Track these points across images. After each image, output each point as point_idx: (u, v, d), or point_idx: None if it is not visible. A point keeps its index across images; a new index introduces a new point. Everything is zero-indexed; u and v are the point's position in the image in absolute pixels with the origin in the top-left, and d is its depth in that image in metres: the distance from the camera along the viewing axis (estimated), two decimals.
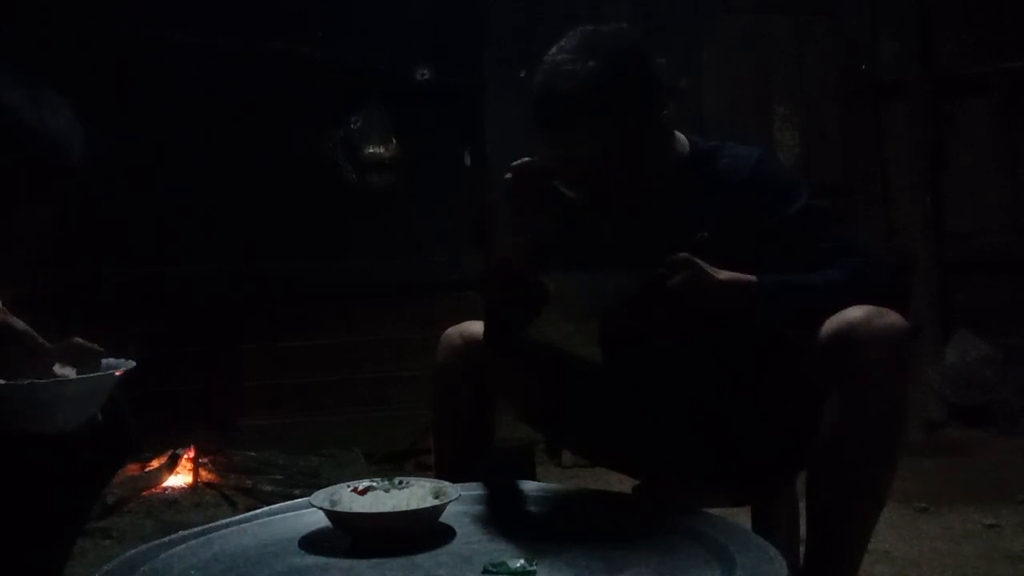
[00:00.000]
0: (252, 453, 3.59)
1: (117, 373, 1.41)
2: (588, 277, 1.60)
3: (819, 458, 1.58)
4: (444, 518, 1.45)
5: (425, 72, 4.13)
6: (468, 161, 4.25)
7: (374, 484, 1.51)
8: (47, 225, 1.54)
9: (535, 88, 1.65)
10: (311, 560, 1.36)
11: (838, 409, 1.54)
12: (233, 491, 3.32)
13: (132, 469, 3.30)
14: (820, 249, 1.65)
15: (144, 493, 3.29)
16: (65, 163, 1.53)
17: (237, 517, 1.56)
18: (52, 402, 1.35)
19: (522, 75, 4.27)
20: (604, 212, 1.76)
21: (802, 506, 1.83)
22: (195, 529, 1.48)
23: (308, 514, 1.51)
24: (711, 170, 1.74)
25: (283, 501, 1.72)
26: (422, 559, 1.33)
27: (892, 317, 1.53)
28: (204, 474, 3.41)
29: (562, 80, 1.61)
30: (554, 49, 1.66)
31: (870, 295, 1.57)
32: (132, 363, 1.42)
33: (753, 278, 1.58)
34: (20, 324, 1.37)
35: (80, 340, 1.47)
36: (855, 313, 1.53)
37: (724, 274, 1.56)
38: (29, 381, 1.39)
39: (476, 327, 1.80)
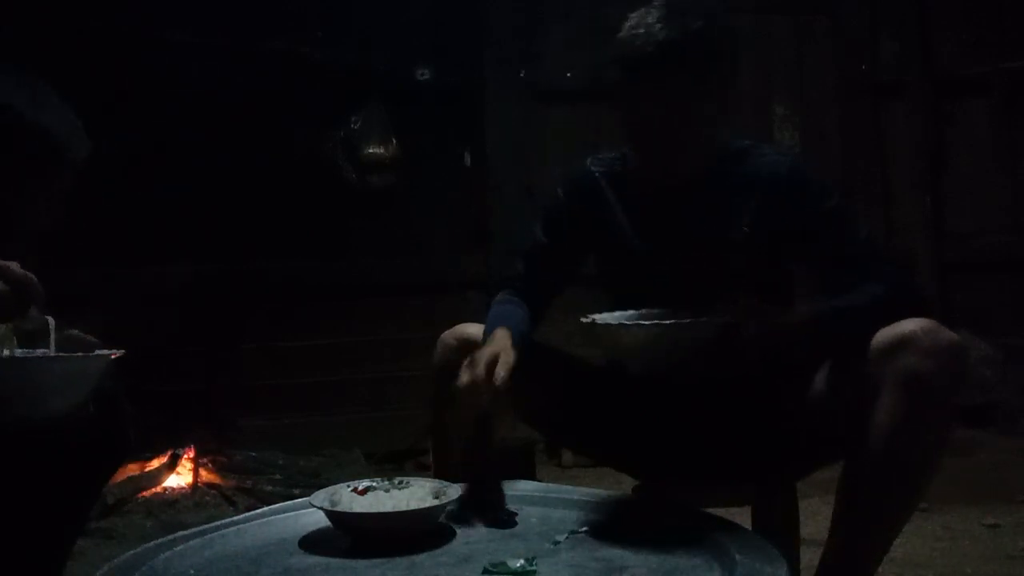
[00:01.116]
0: (252, 453, 3.59)
1: (113, 356, 1.40)
2: (650, 328, 1.57)
3: (866, 459, 1.59)
4: (444, 518, 1.45)
5: (425, 72, 4.13)
6: (468, 161, 4.25)
7: (374, 484, 1.51)
8: (49, 219, 1.54)
9: (626, 39, 1.68)
10: (311, 560, 1.36)
11: (896, 414, 1.54)
12: (233, 491, 3.32)
13: (132, 469, 3.30)
14: (851, 255, 1.69)
15: (144, 493, 3.29)
16: (64, 160, 1.53)
17: (237, 517, 1.56)
18: (40, 379, 1.34)
19: (522, 75, 4.28)
20: (653, 183, 1.79)
21: (802, 506, 1.84)
22: (195, 529, 1.48)
23: (308, 514, 1.51)
24: (746, 168, 1.77)
25: (283, 501, 1.72)
26: (422, 559, 1.33)
27: (950, 332, 1.56)
28: (204, 474, 3.41)
29: (659, 31, 1.65)
30: (643, 10, 1.70)
31: (911, 308, 1.60)
32: (122, 351, 1.42)
33: (809, 312, 1.61)
34: None
35: (76, 332, 1.48)
36: (913, 325, 1.55)
37: (786, 314, 1.59)
38: (16, 356, 1.39)
39: (471, 329, 1.81)
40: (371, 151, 4.00)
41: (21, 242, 1.39)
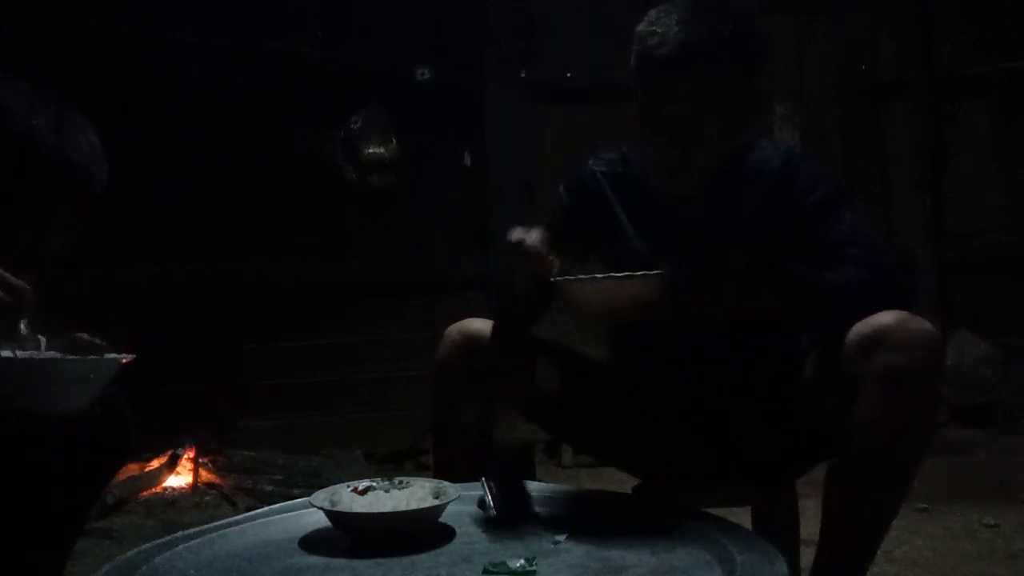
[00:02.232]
0: (252, 453, 3.59)
1: (124, 360, 1.41)
2: (590, 281, 1.59)
3: (851, 457, 1.59)
4: (444, 518, 1.45)
5: (425, 72, 4.13)
6: (468, 161, 4.25)
7: (374, 484, 1.51)
8: (64, 243, 1.54)
9: (645, 35, 1.67)
10: (311, 560, 1.36)
11: (876, 410, 1.54)
12: (233, 491, 3.32)
13: (132, 469, 3.30)
14: (833, 240, 1.68)
15: (144, 493, 3.29)
16: (80, 190, 1.53)
17: (237, 517, 1.56)
18: (53, 380, 1.35)
19: (522, 75, 4.28)
20: (656, 183, 1.79)
21: (802, 506, 1.84)
22: (195, 529, 1.48)
23: (308, 514, 1.51)
24: (746, 166, 1.79)
25: (283, 501, 1.71)
26: (422, 559, 1.33)
27: (925, 322, 1.55)
28: (204, 474, 3.41)
29: (680, 32, 1.64)
30: (664, 7, 1.69)
31: (889, 296, 1.59)
32: (132, 355, 1.42)
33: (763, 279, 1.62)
34: None
35: (84, 335, 1.48)
36: (886, 319, 1.54)
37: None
38: (30, 357, 1.40)
39: (476, 324, 1.81)
40: (371, 151, 4.00)
41: (34, 266, 1.39)
